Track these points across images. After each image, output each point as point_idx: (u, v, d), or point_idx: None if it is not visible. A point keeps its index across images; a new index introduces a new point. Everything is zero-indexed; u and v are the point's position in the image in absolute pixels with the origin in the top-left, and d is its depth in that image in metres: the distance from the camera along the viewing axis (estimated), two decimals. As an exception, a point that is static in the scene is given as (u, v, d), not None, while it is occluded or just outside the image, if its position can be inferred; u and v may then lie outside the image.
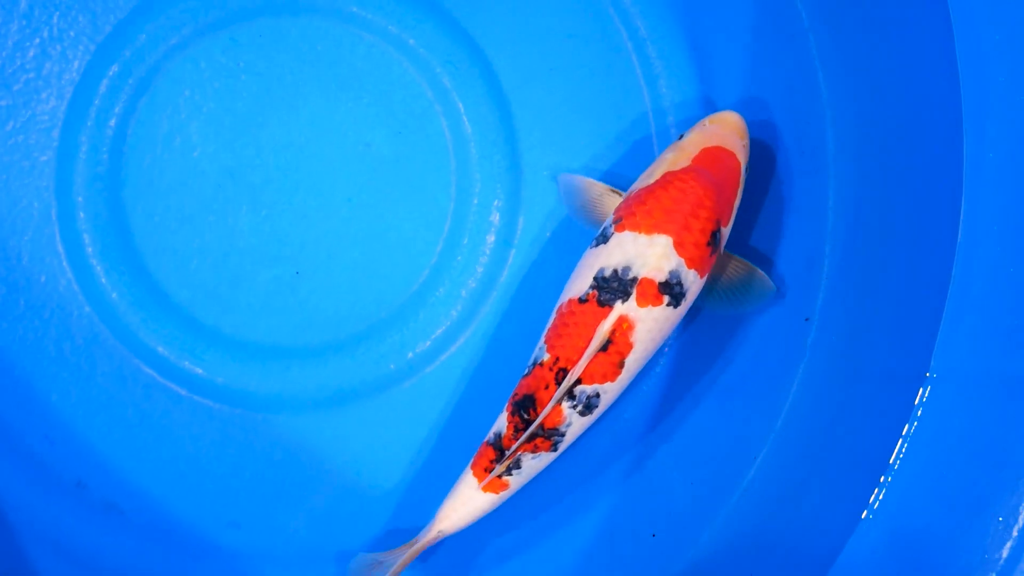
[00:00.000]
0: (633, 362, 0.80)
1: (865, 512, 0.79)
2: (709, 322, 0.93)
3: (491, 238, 0.92)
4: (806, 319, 0.91)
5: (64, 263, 0.90)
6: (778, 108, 0.91)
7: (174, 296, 0.91)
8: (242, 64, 0.90)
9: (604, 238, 0.81)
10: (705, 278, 0.82)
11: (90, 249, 0.90)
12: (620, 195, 0.85)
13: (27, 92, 0.89)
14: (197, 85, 0.90)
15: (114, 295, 0.91)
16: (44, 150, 0.90)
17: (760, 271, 0.86)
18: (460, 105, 0.91)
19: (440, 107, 0.91)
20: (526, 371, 0.82)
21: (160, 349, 0.91)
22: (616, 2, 0.92)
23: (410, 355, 0.92)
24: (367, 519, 0.92)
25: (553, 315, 0.82)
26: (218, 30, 0.90)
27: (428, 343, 0.92)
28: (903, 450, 0.78)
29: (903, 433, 0.78)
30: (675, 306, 0.79)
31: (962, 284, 0.77)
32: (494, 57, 0.91)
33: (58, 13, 0.89)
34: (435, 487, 0.92)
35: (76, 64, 0.90)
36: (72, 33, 0.90)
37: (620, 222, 0.81)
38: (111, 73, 0.90)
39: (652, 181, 0.81)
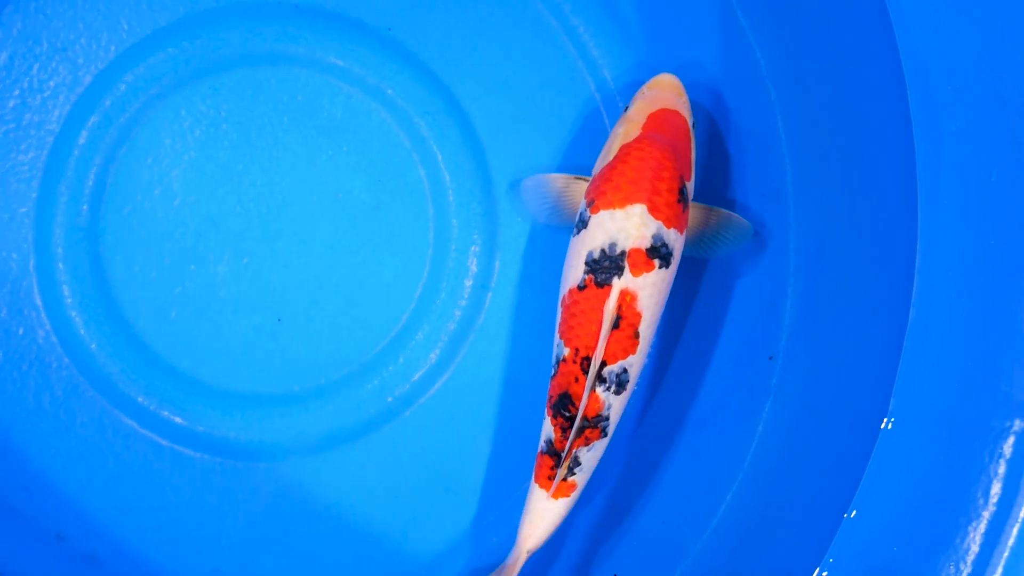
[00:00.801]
0: (646, 328, 0.82)
1: (828, 550, 0.81)
2: (676, 362, 0.96)
3: (469, 282, 0.94)
4: (770, 357, 0.94)
5: (43, 315, 0.90)
6: (741, 154, 0.95)
7: (154, 346, 0.91)
8: (223, 113, 0.92)
9: (583, 223, 0.83)
10: (685, 233, 0.84)
11: (69, 300, 0.90)
12: (585, 180, 0.87)
13: (6, 143, 0.90)
14: (178, 134, 0.91)
15: (93, 346, 0.91)
16: (23, 202, 0.90)
17: (735, 214, 0.89)
18: (437, 153, 0.94)
19: (417, 155, 0.94)
20: (552, 371, 0.84)
21: (140, 399, 0.91)
22: (585, 55, 0.95)
23: (390, 399, 0.93)
24: (349, 564, 0.93)
25: (559, 310, 0.84)
26: (199, 80, 0.92)
27: (408, 386, 0.93)
28: (863, 491, 0.80)
29: (863, 473, 0.80)
30: (666, 266, 0.82)
31: (920, 327, 0.80)
32: (469, 106, 0.94)
33: (38, 64, 0.90)
34: (417, 530, 0.93)
35: (56, 114, 0.90)
36: (52, 84, 0.90)
37: (593, 204, 0.83)
38: (91, 124, 0.91)
39: (611, 157, 0.84)
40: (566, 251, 0.86)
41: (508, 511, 0.93)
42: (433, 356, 0.94)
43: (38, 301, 0.90)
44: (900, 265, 0.82)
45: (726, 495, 0.94)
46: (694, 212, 0.87)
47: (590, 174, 0.87)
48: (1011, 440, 0.75)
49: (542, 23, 0.94)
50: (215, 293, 0.91)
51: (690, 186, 0.85)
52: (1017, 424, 0.74)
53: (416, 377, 0.93)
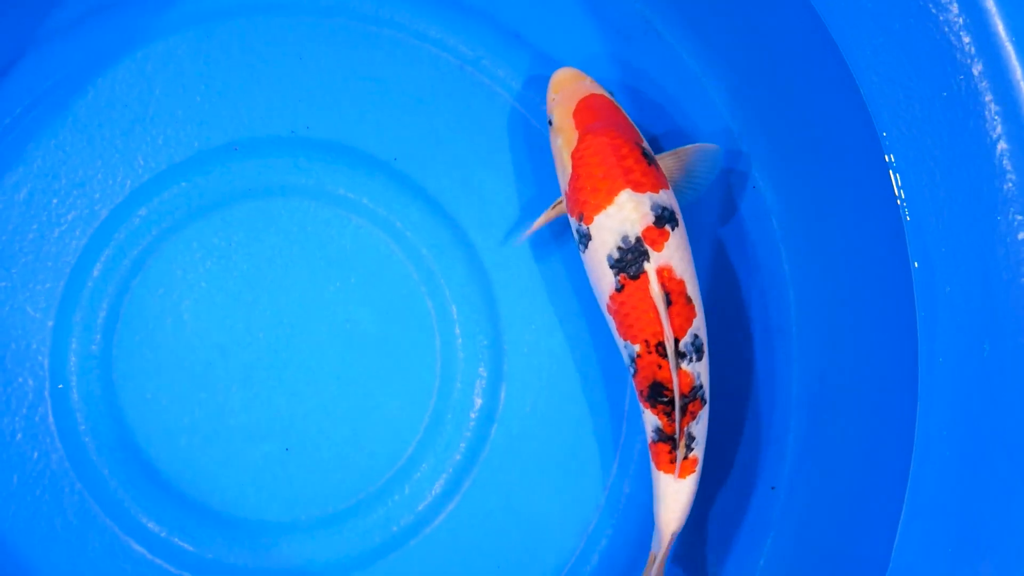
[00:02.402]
0: (693, 288, 0.84)
1: None
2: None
3: (474, 414, 0.95)
4: (772, 488, 0.94)
5: (57, 441, 0.92)
6: (746, 286, 0.96)
7: (164, 472, 0.93)
8: (234, 245, 0.94)
9: (586, 237, 0.85)
10: (671, 187, 0.87)
11: (83, 427, 0.93)
12: (559, 203, 0.89)
13: (25, 274, 0.92)
14: (190, 266, 0.93)
15: (105, 471, 0.93)
16: (39, 330, 0.92)
17: (695, 145, 0.90)
18: (444, 285, 0.95)
19: (425, 287, 0.95)
20: (632, 370, 0.85)
21: (150, 525, 0.93)
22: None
23: (395, 528, 0.94)
24: None
25: (609, 317, 0.86)
26: (211, 212, 0.94)
27: (412, 517, 0.94)
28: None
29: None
30: (677, 225, 0.84)
31: (919, 484, 0.80)
32: (477, 239, 0.95)
33: (56, 200, 0.93)
34: (420, 655, 0.94)
35: (73, 246, 0.93)
36: (70, 217, 0.93)
37: (584, 216, 0.85)
38: (106, 256, 0.93)
39: (570, 169, 0.86)
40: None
41: (510, 641, 0.94)
42: (438, 487, 0.94)
43: (52, 427, 0.92)
44: (900, 411, 0.82)
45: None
46: (664, 163, 0.88)
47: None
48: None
49: (548, 154, 0.95)
50: (224, 421, 0.93)
51: (646, 145, 0.87)
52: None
53: (421, 507, 0.94)
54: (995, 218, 0.75)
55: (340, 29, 0.96)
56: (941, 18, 0.75)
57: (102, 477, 0.93)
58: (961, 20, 0.74)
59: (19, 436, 0.92)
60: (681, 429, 0.84)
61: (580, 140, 0.86)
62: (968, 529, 0.78)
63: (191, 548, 0.93)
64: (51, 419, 0.92)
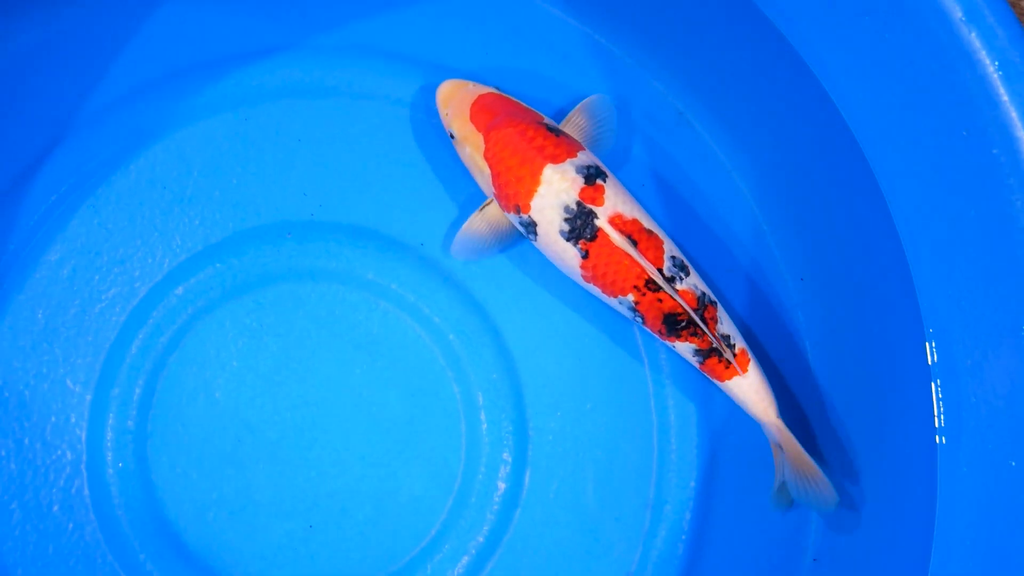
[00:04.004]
0: (647, 222, 0.88)
1: None
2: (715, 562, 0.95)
3: (498, 498, 0.95)
4: (814, 559, 0.93)
5: (91, 513, 0.94)
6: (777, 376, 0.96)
7: (192, 545, 0.95)
8: (265, 326, 0.95)
9: (532, 225, 0.88)
10: (586, 147, 0.90)
11: (116, 500, 0.95)
12: (489, 203, 0.92)
13: (66, 348, 0.95)
14: (222, 345, 0.95)
15: (135, 544, 0.95)
16: (78, 404, 0.95)
17: (587, 100, 0.93)
18: (471, 371, 0.95)
19: (451, 372, 0.95)
20: (639, 319, 0.89)
21: (177, 598, 0.95)
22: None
23: (417, 609, 0.95)
24: None
25: (589, 287, 0.89)
26: (244, 293, 0.96)
27: (434, 598, 0.95)
28: None
29: None
30: (606, 176, 0.88)
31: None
32: (504, 326, 0.96)
33: (98, 276, 0.95)
34: None
35: (113, 321, 0.95)
36: (111, 293, 0.96)
37: (520, 206, 0.88)
38: (143, 333, 0.95)
39: (488, 170, 0.89)
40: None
41: None
42: (460, 568, 0.95)
43: (87, 499, 0.95)
44: (922, 521, 0.81)
45: None
46: (568, 130, 0.92)
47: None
48: None
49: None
50: (251, 497, 0.95)
51: (548, 120, 0.91)
52: None
53: (443, 588, 0.95)
54: (1021, 332, 0.73)
55: (373, 113, 0.97)
56: (963, 120, 0.74)
57: (132, 549, 0.95)
58: (985, 125, 0.73)
59: (56, 508, 0.95)
60: (713, 334, 0.87)
61: (486, 140, 0.89)
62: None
63: (215, 623, 0.94)
64: (87, 492, 0.95)
